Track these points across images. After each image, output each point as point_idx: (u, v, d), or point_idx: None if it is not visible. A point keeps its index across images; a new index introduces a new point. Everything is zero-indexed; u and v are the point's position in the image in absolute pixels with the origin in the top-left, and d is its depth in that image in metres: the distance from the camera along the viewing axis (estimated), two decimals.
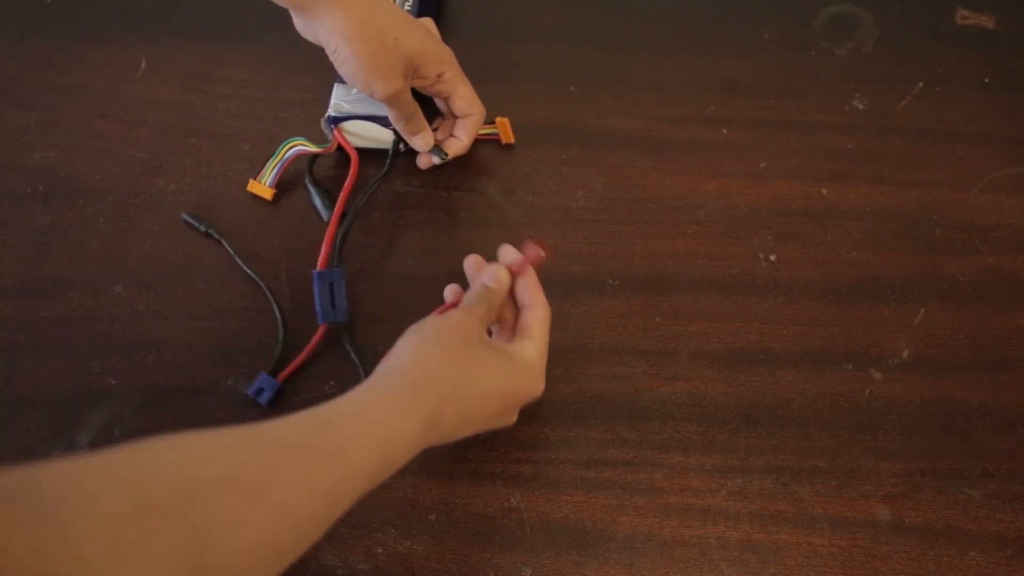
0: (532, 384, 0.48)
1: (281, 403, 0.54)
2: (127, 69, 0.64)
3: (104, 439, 0.52)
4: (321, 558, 0.50)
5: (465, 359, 0.44)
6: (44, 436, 0.53)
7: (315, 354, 0.54)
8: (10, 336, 0.56)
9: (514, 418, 0.49)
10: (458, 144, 0.59)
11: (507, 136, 0.61)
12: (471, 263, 0.51)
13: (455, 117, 0.59)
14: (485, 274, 0.50)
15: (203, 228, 0.58)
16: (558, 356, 0.55)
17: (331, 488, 0.36)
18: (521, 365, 0.47)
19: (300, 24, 0.53)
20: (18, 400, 0.54)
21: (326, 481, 0.36)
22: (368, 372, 0.51)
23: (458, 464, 0.52)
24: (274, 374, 0.53)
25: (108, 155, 0.61)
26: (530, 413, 0.53)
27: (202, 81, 0.64)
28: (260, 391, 0.53)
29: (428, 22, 0.58)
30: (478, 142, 0.61)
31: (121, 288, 0.57)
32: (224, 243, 0.58)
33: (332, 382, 0.54)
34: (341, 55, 0.51)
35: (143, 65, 0.65)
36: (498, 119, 0.61)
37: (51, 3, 0.67)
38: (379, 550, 0.50)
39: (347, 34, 0.50)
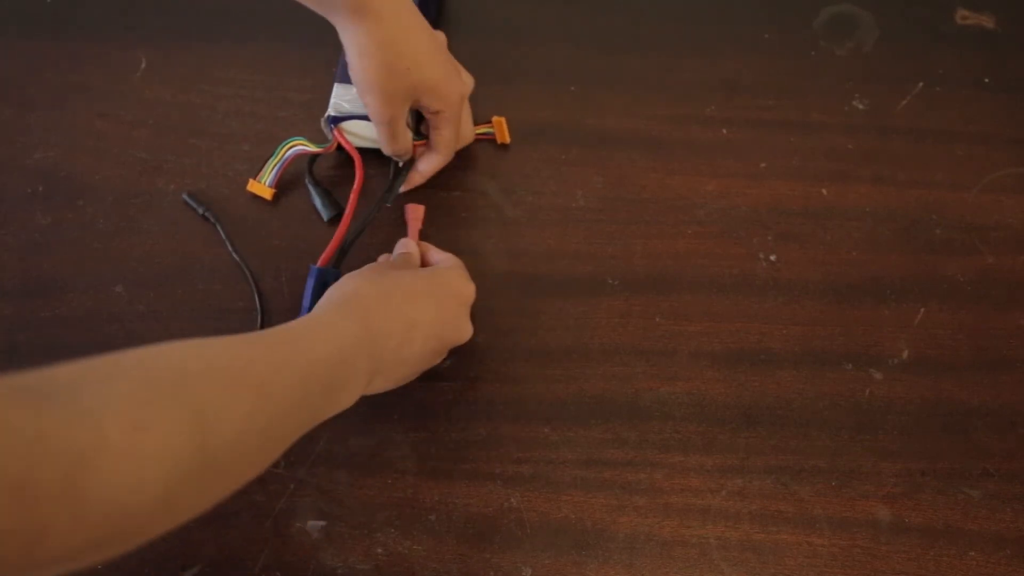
0: (457, 279, 0.51)
1: None
2: (127, 69, 0.64)
3: None
4: (321, 558, 0.50)
5: (384, 277, 0.49)
6: None
7: None
8: (10, 336, 0.56)
9: (467, 327, 0.51)
10: (416, 175, 0.58)
11: (503, 136, 0.61)
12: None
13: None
14: (398, 245, 0.55)
15: (200, 211, 0.58)
16: (558, 356, 0.55)
17: (298, 371, 0.40)
18: (441, 269, 0.52)
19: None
20: None
21: (294, 364, 0.39)
22: None
23: (458, 464, 0.52)
24: None
25: (108, 155, 0.61)
26: (530, 413, 0.53)
27: (202, 81, 0.64)
28: None
29: (439, 37, 0.56)
30: (476, 142, 0.61)
31: (121, 288, 0.57)
32: (219, 227, 0.58)
33: None
34: (352, 65, 0.52)
35: (143, 65, 0.65)
36: (494, 118, 0.61)
37: (51, 3, 0.67)
38: (379, 550, 0.50)
39: (363, 51, 0.51)
